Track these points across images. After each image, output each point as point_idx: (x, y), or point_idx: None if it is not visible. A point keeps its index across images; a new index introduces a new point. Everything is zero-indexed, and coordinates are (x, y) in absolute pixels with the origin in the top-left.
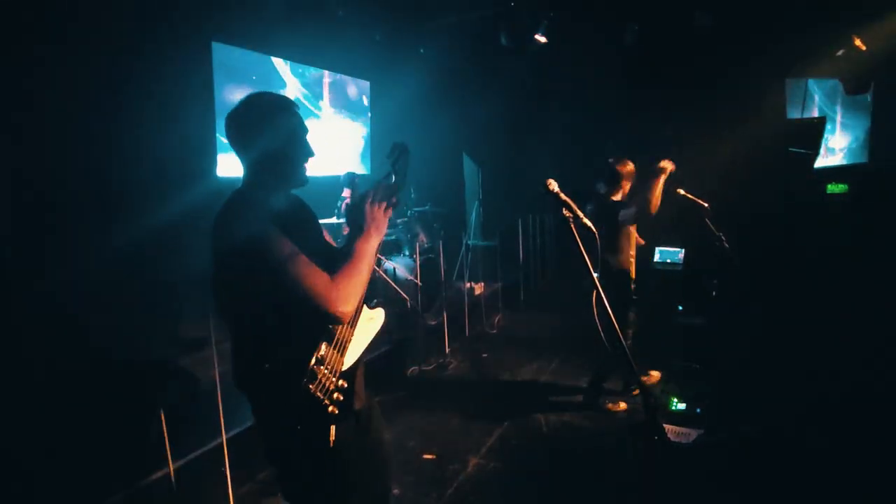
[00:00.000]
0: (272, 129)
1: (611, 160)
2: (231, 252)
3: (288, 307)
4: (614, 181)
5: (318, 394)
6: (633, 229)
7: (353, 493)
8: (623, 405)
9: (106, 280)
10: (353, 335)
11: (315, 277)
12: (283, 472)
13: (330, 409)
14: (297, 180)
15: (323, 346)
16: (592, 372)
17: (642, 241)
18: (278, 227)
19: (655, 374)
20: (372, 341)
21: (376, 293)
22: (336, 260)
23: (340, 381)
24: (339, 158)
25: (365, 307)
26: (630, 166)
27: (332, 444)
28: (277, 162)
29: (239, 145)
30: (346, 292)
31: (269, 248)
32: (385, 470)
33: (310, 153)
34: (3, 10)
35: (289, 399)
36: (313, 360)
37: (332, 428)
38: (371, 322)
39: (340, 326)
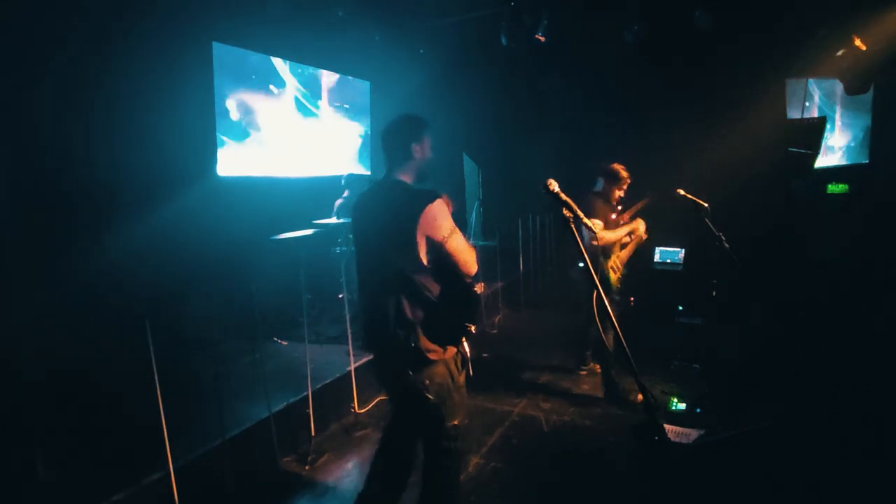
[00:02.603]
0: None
1: (613, 164)
2: (406, 218)
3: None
4: (606, 181)
5: (472, 317)
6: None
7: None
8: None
9: (106, 279)
10: None
11: (466, 244)
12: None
13: (471, 327)
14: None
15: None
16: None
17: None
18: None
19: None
20: None
21: None
22: None
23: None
24: (338, 159)
25: None
26: (625, 174)
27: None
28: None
29: (392, 146)
30: (475, 260)
31: (444, 219)
32: None
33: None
34: (3, 10)
35: (454, 318)
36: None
37: (465, 343)
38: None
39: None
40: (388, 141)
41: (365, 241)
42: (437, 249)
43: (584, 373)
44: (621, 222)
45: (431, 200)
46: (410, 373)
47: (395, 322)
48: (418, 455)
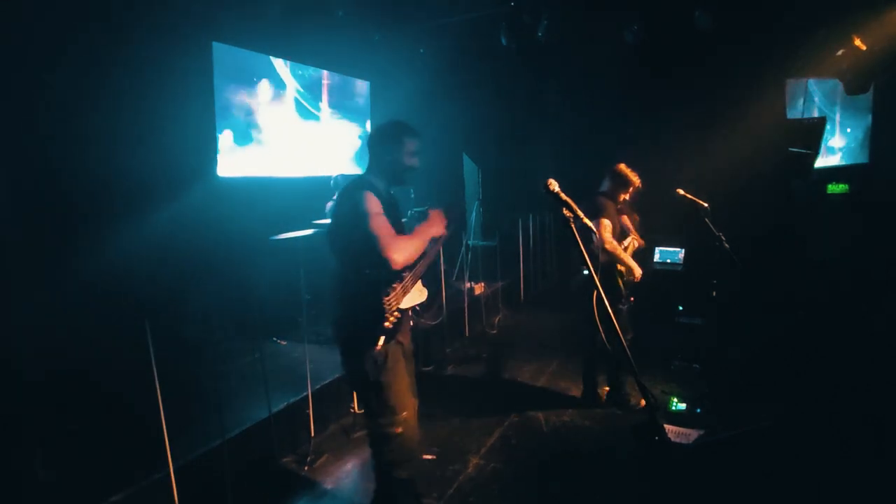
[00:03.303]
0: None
1: (621, 164)
2: (345, 207)
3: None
4: (613, 183)
5: (385, 305)
6: (627, 222)
7: (393, 393)
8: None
9: (106, 279)
10: (411, 289)
11: (387, 230)
12: (352, 369)
13: (386, 323)
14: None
15: (395, 282)
16: (607, 375)
17: (642, 243)
18: (377, 195)
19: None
20: (419, 305)
21: None
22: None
23: (396, 312)
24: (338, 159)
25: (420, 282)
26: (634, 178)
27: (377, 348)
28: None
29: (371, 148)
30: (400, 248)
31: (368, 207)
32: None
33: (413, 166)
34: (3, 10)
35: (370, 302)
36: (390, 286)
37: (382, 338)
38: (420, 293)
39: (407, 276)
40: (368, 142)
41: (329, 237)
42: (359, 235)
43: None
44: (625, 243)
45: (360, 189)
46: (346, 359)
47: (336, 310)
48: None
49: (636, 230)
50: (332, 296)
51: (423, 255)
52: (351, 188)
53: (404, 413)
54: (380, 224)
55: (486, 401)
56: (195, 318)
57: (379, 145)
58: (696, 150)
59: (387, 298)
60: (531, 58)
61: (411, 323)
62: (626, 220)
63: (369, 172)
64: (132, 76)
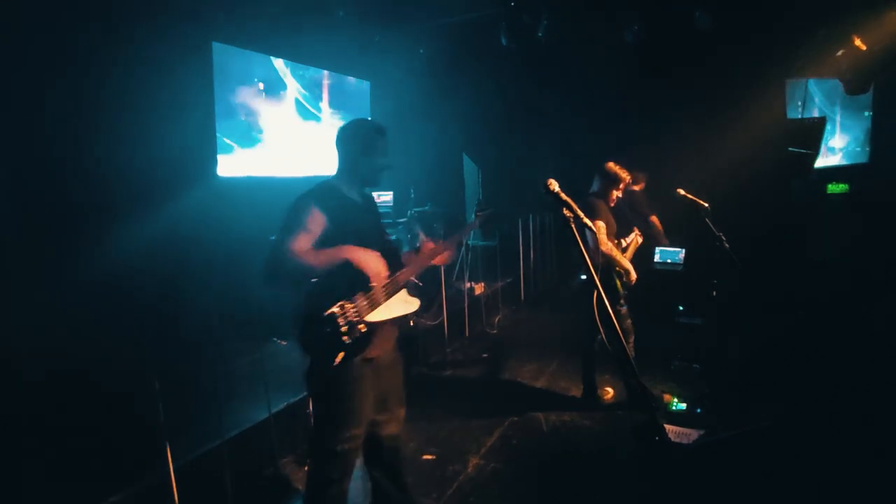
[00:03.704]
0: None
1: (609, 163)
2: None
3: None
4: (604, 182)
5: (339, 320)
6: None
7: (345, 409)
8: (610, 391)
9: (106, 279)
10: (384, 300)
11: (283, 238)
12: (307, 375)
13: (343, 337)
14: (364, 181)
15: (359, 294)
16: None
17: (640, 239)
18: (319, 204)
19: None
20: (402, 318)
21: None
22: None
23: (360, 325)
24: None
25: (405, 290)
26: (623, 174)
27: (334, 364)
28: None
29: (338, 149)
30: (283, 262)
31: (291, 211)
32: (382, 415)
33: (382, 165)
34: (3, 10)
35: (319, 315)
36: (346, 298)
37: (341, 354)
38: (405, 304)
39: (377, 287)
40: (335, 143)
41: None
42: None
43: (608, 396)
44: (624, 244)
45: (304, 197)
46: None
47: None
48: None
49: (660, 231)
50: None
51: (400, 268)
52: (303, 192)
53: (354, 430)
54: (286, 236)
55: (486, 401)
56: (195, 317)
57: (344, 146)
58: (696, 150)
59: (343, 309)
60: (531, 58)
61: (395, 333)
62: (654, 219)
63: (337, 175)
64: (132, 76)
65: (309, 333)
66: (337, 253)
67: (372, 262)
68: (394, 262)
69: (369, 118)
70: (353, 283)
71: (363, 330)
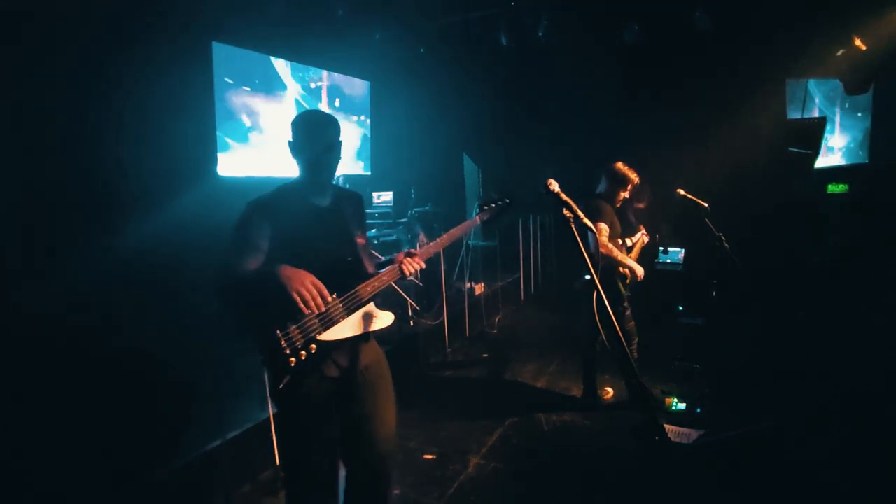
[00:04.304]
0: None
1: (617, 163)
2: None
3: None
4: (611, 183)
5: (283, 342)
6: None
7: (292, 429)
8: (610, 391)
9: (107, 280)
10: (343, 318)
11: (227, 258)
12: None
13: (290, 359)
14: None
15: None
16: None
17: (646, 238)
18: (265, 214)
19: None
20: (371, 334)
21: (376, 294)
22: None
23: (311, 345)
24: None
25: (371, 304)
26: (633, 175)
27: (280, 387)
28: (306, 165)
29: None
30: (227, 284)
31: (237, 222)
32: (357, 439)
33: (329, 163)
34: (3, 10)
35: (265, 339)
36: (290, 319)
37: (286, 378)
38: (373, 318)
39: (333, 304)
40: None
41: None
42: None
43: (608, 396)
44: (629, 243)
45: (251, 202)
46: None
47: None
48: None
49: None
50: None
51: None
52: (252, 200)
53: (306, 453)
54: (230, 255)
55: (486, 401)
56: (195, 317)
57: (291, 145)
58: (696, 150)
59: (286, 330)
60: (531, 58)
61: (371, 351)
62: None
63: (298, 178)
64: (132, 76)
65: (262, 350)
66: (265, 276)
67: (301, 288)
68: (357, 273)
69: (308, 109)
70: (289, 304)
71: (314, 350)
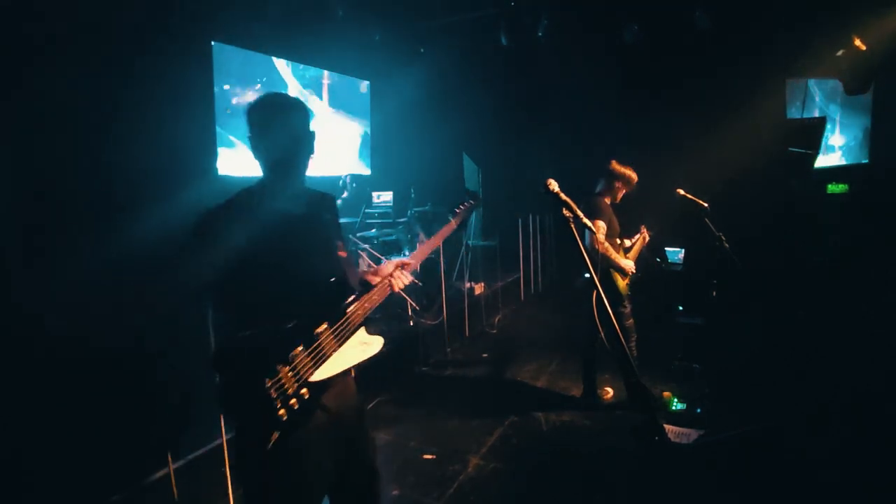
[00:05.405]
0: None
1: (613, 162)
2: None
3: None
4: (609, 182)
5: (273, 393)
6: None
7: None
8: (610, 391)
9: (107, 279)
10: (336, 349)
11: (187, 282)
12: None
13: (280, 411)
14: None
15: (299, 348)
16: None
17: (647, 237)
18: (222, 226)
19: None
20: (359, 365)
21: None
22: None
23: (303, 390)
24: (338, 158)
25: (363, 329)
26: (630, 173)
27: (269, 447)
28: (274, 161)
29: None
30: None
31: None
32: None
33: (287, 156)
34: (3, 9)
35: (244, 389)
36: (280, 361)
37: (275, 434)
38: (365, 346)
39: (325, 336)
40: None
41: None
42: None
43: (608, 396)
44: (628, 244)
45: (216, 204)
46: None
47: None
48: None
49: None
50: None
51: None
52: (205, 211)
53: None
54: (189, 277)
55: (486, 401)
56: (195, 317)
57: (248, 141)
58: (696, 150)
59: (276, 378)
60: (531, 58)
61: (351, 382)
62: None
63: (262, 178)
64: (132, 76)
65: (231, 401)
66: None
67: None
68: (345, 294)
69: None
70: (287, 334)
71: (307, 396)
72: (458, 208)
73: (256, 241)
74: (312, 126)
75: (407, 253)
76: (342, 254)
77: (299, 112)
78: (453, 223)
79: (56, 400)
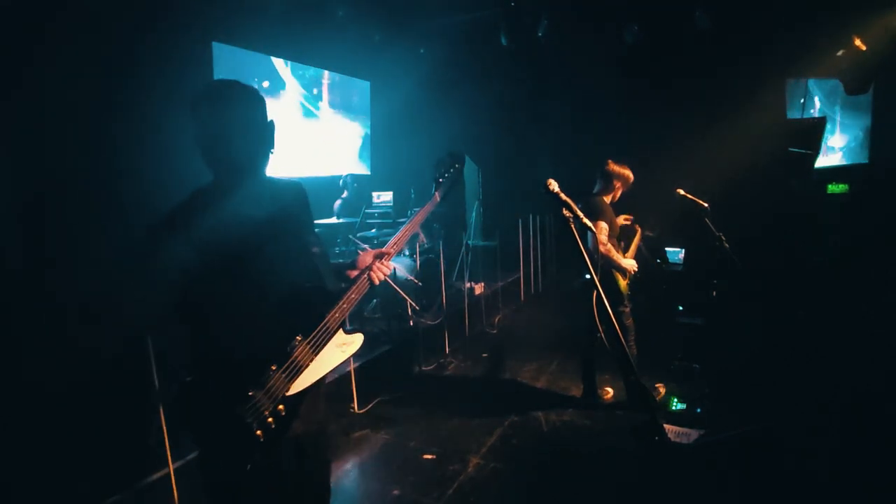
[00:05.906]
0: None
1: (609, 161)
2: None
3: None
4: (607, 182)
5: (248, 418)
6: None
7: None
8: (610, 391)
9: (107, 279)
10: (312, 359)
11: (136, 297)
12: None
13: (257, 432)
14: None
15: (273, 367)
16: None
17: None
18: (176, 234)
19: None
20: (337, 367)
21: (375, 294)
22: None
23: (279, 406)
24: (338, 158)
25: (340, 331)
26: (627, 172)
27: (248, 468)
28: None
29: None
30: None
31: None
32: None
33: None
34: (3, 9)
35: (216, 422)
36: (252, 384)
37: (254, 455)
38: (343, 346)
39: (300, 349)
40: None
41: None
42: None
43: (608, 396)
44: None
45: (146, 229)
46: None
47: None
48: None
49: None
50: None
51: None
52: (158, 219)
53: None
54: (143, 289)
55: (486, 401)
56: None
57: (195, 137)
58: (695, 150)
59: (252, 399)
60: (531, 58)
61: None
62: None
63: (215, 176)
64: (132, 76)
65: (201, 433)
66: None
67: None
68: (321, 300)
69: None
70: (256, 355)
71: (284, 412)
72: (441, 178)
73: (207, 253)
74: (270, 116)
75: (407, 253)
76: (315, 250)
77: (250, 102)
78: (436, 197)
79: (56, 400)
